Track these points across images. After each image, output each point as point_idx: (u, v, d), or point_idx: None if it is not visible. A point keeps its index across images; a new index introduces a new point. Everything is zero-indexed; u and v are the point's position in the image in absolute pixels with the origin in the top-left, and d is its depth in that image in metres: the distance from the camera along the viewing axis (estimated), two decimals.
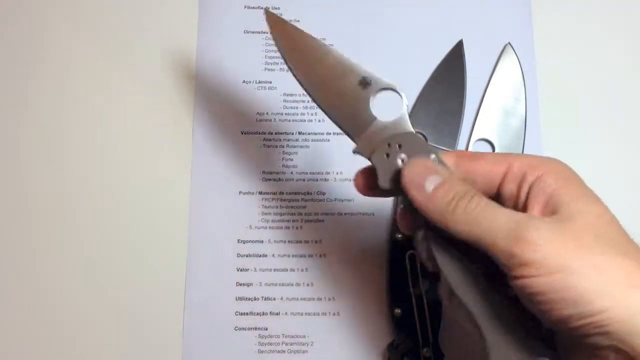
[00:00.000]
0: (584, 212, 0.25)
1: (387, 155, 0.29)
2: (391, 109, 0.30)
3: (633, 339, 0.23)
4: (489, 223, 0.25)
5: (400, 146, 0.29)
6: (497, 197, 0.28)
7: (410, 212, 0.29)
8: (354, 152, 0.30)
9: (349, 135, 0.31)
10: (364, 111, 0.30)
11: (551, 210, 0.26)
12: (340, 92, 0.30)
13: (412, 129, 0.29)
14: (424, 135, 0.30)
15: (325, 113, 0.31)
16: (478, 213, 0.26)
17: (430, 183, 0.27)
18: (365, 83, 0.30)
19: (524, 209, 0.27)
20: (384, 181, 0.29)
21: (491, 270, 0.26)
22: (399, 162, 0.29)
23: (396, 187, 0.29)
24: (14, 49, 0.46)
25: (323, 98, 0.31)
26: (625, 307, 0.23)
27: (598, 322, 0.23)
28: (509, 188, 0.27)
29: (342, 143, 0.44)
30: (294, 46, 0.31)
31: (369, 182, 0.30)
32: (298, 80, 0.31)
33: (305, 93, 0.46)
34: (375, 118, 0.30)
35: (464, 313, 0.27)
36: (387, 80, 0.30)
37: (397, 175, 0.28)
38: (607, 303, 0.23)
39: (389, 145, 0.29)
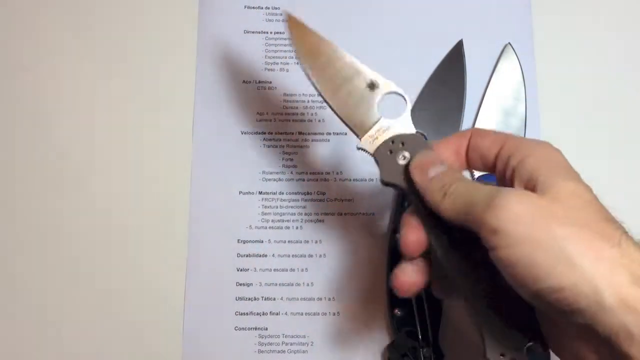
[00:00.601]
0: (558, 188, 0.25)
1: (390, 152, 0.31)
2: (396, 108, 0.32)
3: (603, 315, 0.23)
4: (469, 198, 0.27)
5: (403, 144, 0.31)
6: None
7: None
8: (358, 148, 0.32)
9: (354, 132, 0.32)
10: (370, 111, 0.32)
11: (531, 188, 0.27)
12: (349, 93, 0.33)
13: (414, 129, 0.31)
14: (424, 135, 0.31)
15: (334, 111, 0.33)
16: (461, 191, 0.27)
17: (433, 171, 0.29)
18: (373, 86, 0.32)
19: None
20: (385, 176, 0.31)
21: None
22: (401, 158, 0.31)
23: (397, 183, 0.31)
24: (13, 47, 0.46)
25: (332, 97, 0.33)
26: (591, 280, 0.23)
27: (567, 298, 0.23)
28: (499, 167, 0.29)
29: (342, 143, 0.44)
30: (309, 47, 0.34)
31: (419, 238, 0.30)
32: (310, 79, 0.33)
33: (305, 93, 0.46)
34: (380, 117, 0.32)
35: (461, 305, 0.29)
36: (394, 85, 0.32)
37: (399, 171, 0.31)
38: (572, 277, 0.23)
39: (392, 142, 0.31)
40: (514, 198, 0.25)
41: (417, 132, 0.31)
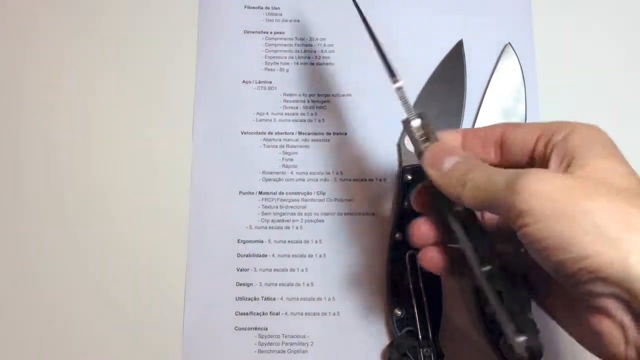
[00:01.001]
0: (590, 166, 0.25)
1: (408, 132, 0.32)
2: None
3: (630, 284, 0.22)
4: (490, 184, 0.26)
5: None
6: (530, 162, 0.29)
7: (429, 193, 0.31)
8: None
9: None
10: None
11: (566, 165, 0.26)
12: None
13: (410, 114, 0.32)
14: (421, 116, 0.32)
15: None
16: (480, 179, 0.27)
17: (447, 162, 0.29)
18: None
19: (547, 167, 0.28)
20: (404, 161, 0.33)
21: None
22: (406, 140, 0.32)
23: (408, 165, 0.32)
24: (13, 48, 0.46)
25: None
26: (620, 249, 0.23)
27: (592, 265, 0.23)
28: (539, 149, 0.29)
29: (342, 143, 0.44)
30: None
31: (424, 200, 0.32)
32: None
33: (305, 93, 0.47)
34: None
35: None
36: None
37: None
38: (599, 246, 0.23)
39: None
40: (534, 178, 0.25)
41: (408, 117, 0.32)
